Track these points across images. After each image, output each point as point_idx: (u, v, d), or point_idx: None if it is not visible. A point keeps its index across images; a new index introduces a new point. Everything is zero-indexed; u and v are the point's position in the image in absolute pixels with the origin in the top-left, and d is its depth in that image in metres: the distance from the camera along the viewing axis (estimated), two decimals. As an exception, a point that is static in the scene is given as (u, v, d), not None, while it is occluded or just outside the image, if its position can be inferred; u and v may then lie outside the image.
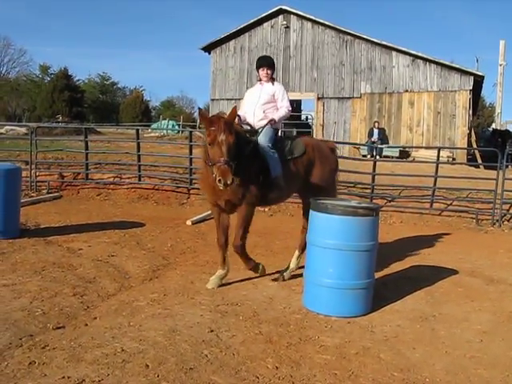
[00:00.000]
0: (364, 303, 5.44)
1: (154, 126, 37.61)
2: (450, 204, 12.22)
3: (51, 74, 56.68)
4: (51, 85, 49.92)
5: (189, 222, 10.05)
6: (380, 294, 5.93)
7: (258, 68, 6.65)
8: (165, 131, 30.82)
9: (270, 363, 4.14)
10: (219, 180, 5.29)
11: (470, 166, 18.95)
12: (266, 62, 6.64)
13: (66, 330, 4.60)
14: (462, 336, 4.96)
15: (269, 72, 6.56)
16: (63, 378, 3.70)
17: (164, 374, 3.85)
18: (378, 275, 5.85)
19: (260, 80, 6.66)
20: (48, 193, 12.89)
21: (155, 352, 4.21)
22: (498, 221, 11.41)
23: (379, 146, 19.43)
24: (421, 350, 4.57)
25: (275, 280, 6.44)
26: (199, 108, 6.04)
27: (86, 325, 4.76)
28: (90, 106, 59.28)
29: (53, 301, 5.29)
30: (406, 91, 23.02)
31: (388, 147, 21.07)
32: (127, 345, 4.31)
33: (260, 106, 6.46)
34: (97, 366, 3.91)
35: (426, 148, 21.07)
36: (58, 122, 33.49)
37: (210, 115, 5.88)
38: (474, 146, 22.98)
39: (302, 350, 4.44)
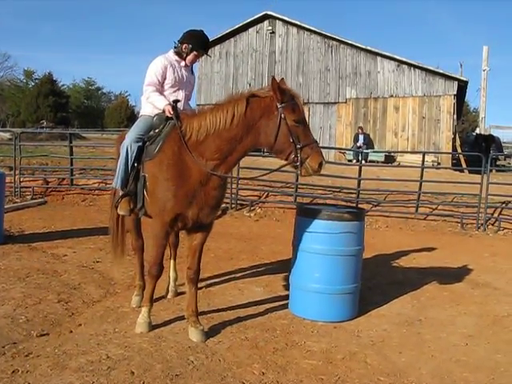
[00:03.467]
0: (350, 308, 5.44)
1: (140, 131, 37.37)
2: (435, 208, 12.30)
3: (36, 78, 56.30)
4: (35, 90, 49.58)
5: (175, 228, 10.01)
6: (366, 298, 5.94)
7: (192, 47, 5.02)
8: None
9: (256, 369, 4.12)
10: (320, 164, 4.36)
11: (455, 170, 19.09)
12: (205, 47, 5.19)
13: (50, 337, 4.54)
14: (447, 340, 4.98)
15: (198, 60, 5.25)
16: (47, 386, 3.66)
17: (149, 380, 3.82)
18: (364, 280, 5.85)
19: (181, 57, 5.09)
20: (32, 199, 12.78)
21: (141, 359, 4.17)
22: (482, 225, 11.49)
23: (365, 150, 19.53)
24: (407, 355, 4.58)
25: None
26: (273, 76, 4.54)
27: (71, 332, 4.71)
28: (74, 111, 58.91)
29: (37, 308, 5.23)
30: (391, 96, 23.15)
31: (373, 152, 21.18)
32: (112, 352, 4.27)
33: (185, 94, 5.21)
34: (81, 373, 3.87)
35: (411, 153, 21.21)
36: (43, 128, 33.23)
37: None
38: (459, 150, 23.14)
39: (288, 355, 4.43)
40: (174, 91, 5.05)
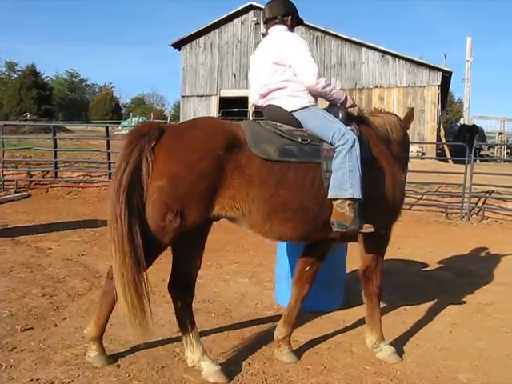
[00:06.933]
0: (336, 298, 5.46)
1: (125, 123, 37.31)
2: (420, 198, 12.34)
3: (18, 70, 55.74)
4: (18, 82, 49.13)
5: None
6: (352, 288, 5.95)
7: (297, 18, 4.21)
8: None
9: (243, 360, 4.13)
10: None
11: (439, 160, 19.20)
12: None
13: (34, 332, 4.52)
14: (432, 328, 5.02)
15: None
16: (31, 380, 3.64)
17: (135, 373, 3.82)
18: (349, 270, 5.87)
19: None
20: (16, 192, 12.68)
21: (126, 351, 4.16)
22: (466, 214, 11.57)
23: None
24: (392, 343, 4.61)
25: None
26: (413, 108, 4.61)
27: (56, 325, 4.69)
28: (58, 103, 58.44)
29: (21, 302, 5.20)
30: (376, 87, 23.23)
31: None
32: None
33: None
34: (66, 367, 3.86)
35: (396, 143, 21.26)
36: (26, 120, 32.94)
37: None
38: (443, 140, 23.29)
39: (274, 345, 4.43)
40: None
